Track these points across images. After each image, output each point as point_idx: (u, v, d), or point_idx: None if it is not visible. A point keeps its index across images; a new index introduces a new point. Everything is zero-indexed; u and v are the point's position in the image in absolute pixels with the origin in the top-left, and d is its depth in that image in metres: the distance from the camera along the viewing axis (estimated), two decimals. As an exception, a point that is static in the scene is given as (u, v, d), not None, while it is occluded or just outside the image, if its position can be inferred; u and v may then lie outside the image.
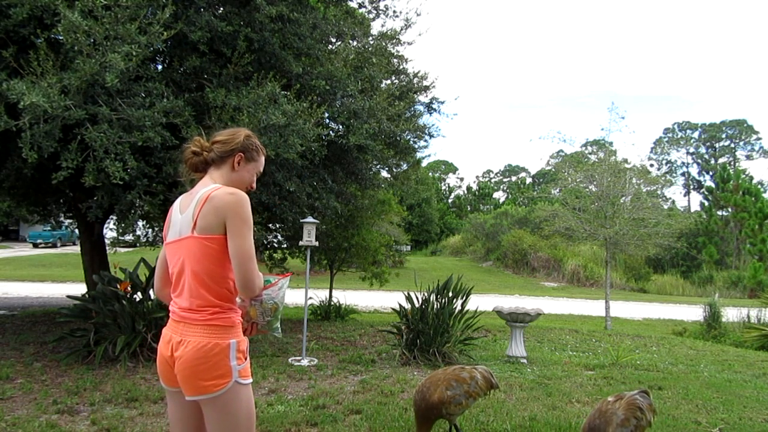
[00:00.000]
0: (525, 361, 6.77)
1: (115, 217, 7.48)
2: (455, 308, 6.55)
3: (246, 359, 1.91)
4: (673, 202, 40.91)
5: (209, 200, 1.84)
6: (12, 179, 6.22)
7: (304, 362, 6.18)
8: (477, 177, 58.55)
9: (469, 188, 53.48)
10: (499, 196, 53.81)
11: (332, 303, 10.48)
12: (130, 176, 5.04)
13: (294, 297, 13.29)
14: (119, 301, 5.81)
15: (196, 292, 1.86)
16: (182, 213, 1.93)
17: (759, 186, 32.80)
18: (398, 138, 8.54)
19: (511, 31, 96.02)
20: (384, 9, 8.82)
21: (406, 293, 6.70)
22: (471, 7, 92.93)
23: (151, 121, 4.84)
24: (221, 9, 6.13)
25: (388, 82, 9.13)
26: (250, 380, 1.92)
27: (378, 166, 9.76)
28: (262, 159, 2.09)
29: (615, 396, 3.13)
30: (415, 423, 3.44)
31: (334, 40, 7.60)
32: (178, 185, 5.77)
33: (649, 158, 53.27)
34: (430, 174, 44.59)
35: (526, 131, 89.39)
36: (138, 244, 10.73)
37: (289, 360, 6.27)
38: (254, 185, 2.09)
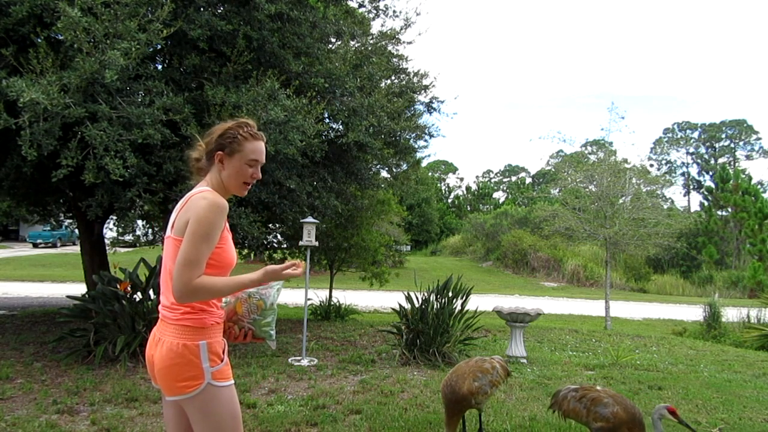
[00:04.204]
0: (525, 361, 6.76)
1: (115, 217, 7.47)
2: (455, 308, 6.54)
3: (222, 361, 1.87)
4: (672, 201, 40.89)
5: (188, 202, 1.86)
6: (12, 178, 6.21)
7: (304, 362, 6.17)
8: (477, 177, 58.63)
9: (468, 188, 53.46)
10: (499, 196, 53.78)
11: (332, 303, 10.47)
12: (130, 174, 5.04)
13: (294, 297, 13.28)
14: (119, 301, 5.80)
15: (170, 291, 1.86)
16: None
17: (758, 186, 32.81)
18: (398, 137, 8.54)
19: (511, 31, 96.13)
20: (384, 9, 8.82)
21: (406, 293, 6.69)
22: (471, 7, 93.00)
23: (151, 119, 4.84)
24: (221, 8, 6.13)
25: (388, 81, 9.13)
26: (229, 383, 1.88)
27: (378, 166, 9.75)
28: (251, 144, 1.93)
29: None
30: (445, 415, 3.58)
31: (333, 40, 7.60)
32: (178, 183, 5.76)
33: (649, 158, 53.26)
34: (430, 174, 44.57)
35: (526, 131, 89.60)
36: (138, 244, 10.73)
37: (289, 360, 6.26)
38: (257, 175, 1.96)
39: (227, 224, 1.94)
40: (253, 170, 1.96)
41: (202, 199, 1.82)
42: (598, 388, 3.33)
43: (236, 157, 1.93)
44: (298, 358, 6.33)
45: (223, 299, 1.97)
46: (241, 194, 2.00)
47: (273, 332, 1.99)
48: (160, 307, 1.93)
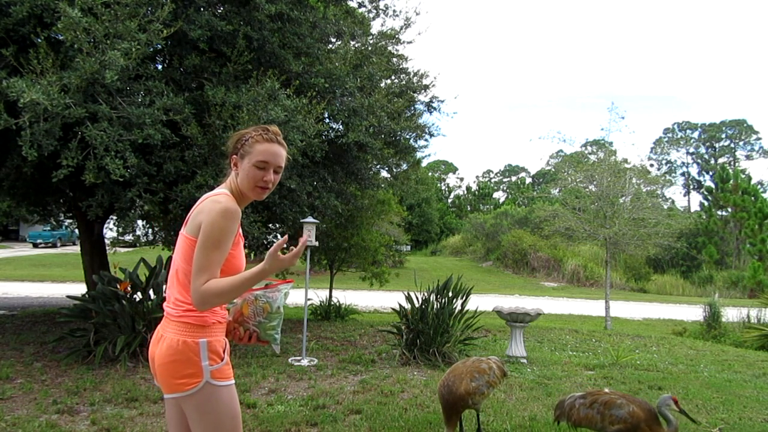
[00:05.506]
0: (525, 361, 6.76)
1: (115, 217, 7.47)
2: (455, 308, 6.54)
3: (222, 360, 1.86)
4: (673, 201, 40.91)
5: (202, 203, 1.87)
6: (12, 178, 6.22)
7: (304, 362, 6.17)
8: (477, 177, 58.65)
9: (468, 188, 53.45)
10: (499, 196, 53.79)
11: (332, 303, 10.47)
12: (131, 174, 5.05)
13: (294, 297, 13.28)
14: (119, 301, 5.80)
15: (175, 288, 1.87)
16: None
17: (758, 186, 32.82)
18: (398, 137, 8.54)
19: (511, 31, 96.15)
20: (384, 8, 8.83)
21: (406, 293, 6.69)
22: (471, 7, 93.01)
23: (151, 119, 4.84)
24: (221, 8, 6.13)
25: (388, 81, 9.14)
26: (229, 382, 1.87)
27: (378, 166, 9.76)
28: (261, 146, 1.89)
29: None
30: (443, 416, 3.59)
31: (333, 40, 7.60)
32: (178, 183, 5.76)
33: (649, 158, 53.29)
34: (430, 174, 44.55)
35: (526, 131, 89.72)
36: (138, 244, 10.71)
37: (289, 360, 6.26)
38: (268, 177, 1.90)
39: (240, 229, 1.92)
40: (264, 173, 1.89)
41: (215, 203, 1.81)
42: (606, 390, 3.26)
43: (247, 159, 1.89)
44: (298, 358, 6.33)
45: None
46: (257, 198, 1.95)
47: (278, 336, 1.97)
48: (164, 304, 1.93)
